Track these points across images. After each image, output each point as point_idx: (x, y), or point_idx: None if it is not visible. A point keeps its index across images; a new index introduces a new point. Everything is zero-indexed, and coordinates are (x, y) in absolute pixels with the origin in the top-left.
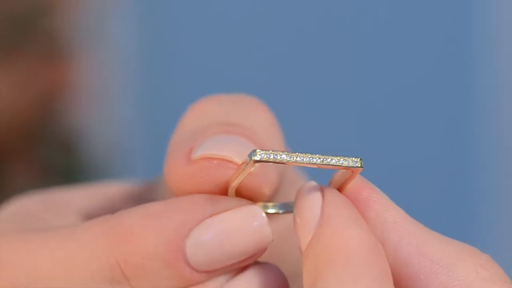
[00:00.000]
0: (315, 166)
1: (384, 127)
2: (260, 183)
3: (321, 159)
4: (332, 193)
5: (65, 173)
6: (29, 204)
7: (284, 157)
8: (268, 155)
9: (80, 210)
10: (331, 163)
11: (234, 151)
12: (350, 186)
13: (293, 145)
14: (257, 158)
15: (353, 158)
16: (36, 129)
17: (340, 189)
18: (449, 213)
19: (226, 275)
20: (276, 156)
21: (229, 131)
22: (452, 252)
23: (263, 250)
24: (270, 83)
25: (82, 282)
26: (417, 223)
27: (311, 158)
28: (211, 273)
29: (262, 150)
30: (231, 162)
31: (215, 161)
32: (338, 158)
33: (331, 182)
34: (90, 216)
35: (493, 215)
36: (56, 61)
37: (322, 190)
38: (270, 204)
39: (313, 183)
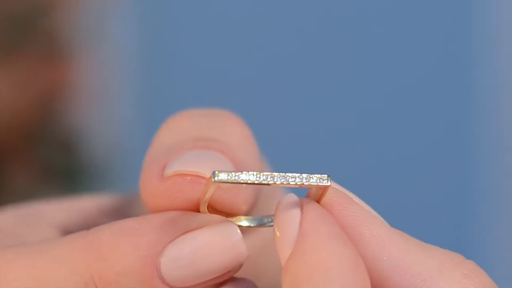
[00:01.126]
0: (279, 186)
1: (384, 127)
2: (235, 198)
3: (285, 178)
4: (311, 207)
5: (65, 173)
6: (3, 220)
7: (245, 177)
8: (228, 176)
9: (56, 224)
10: (296, 182)
11: (207, 167)
12: (325, 200)
13: (271, 155)
14: (216, 179)
15: (321, 176)
16: (36, 129)
17: (318, 201)
18: (449, 213)
19: None
20: (237, 177)
21: (204, 146)
22: (434, 263)
23: (238, 267)
24: (269, 83)
25: None
26: (397, 233)
27: (273, 178)
28: None
29: (222, 171)
30: (204, 178)
31: (188, 178)
32: (303, 176)
33: (308, 194)
34: (66, 230)
35: (493, 215)
36: (56, 61)
37: (301, 204)
38: (243, 217)
39: (292, 196)
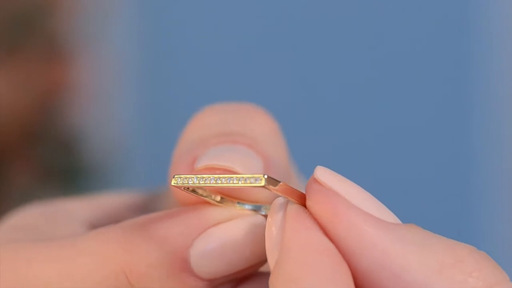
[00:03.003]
0: (224, 186)
1: (383, 127)
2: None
3: (226, 179)
4: (292, 214)
5: (65, 173)
6: (30, 216)
7: (196, 181)
8: (182, 180)
9: (83, 221)
10: (234, 183)
11: (236, 161)
12: (313, 203)
13: (298, 149)
14: (173, 183)
15: (256, 176)
16: (36, 129)
17: (304, 203)
18: (448, 213)
19: (229, 284)
20: (189, 181)
21: (231, 140)
22: (433, 263)
23: (264, 257)
24: (270, 83)
25: None
26: (392, 233)
27: (217, 179)
28: (214, 281)
29: (179, 175)
30: (234, 172)
31: (218, 171)
32: (240, 177)
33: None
34: (92, 227)
35: (493, 215)
36: (56, 61)
37: (285, 210)
38: (267, 205)
39: (280, 200)
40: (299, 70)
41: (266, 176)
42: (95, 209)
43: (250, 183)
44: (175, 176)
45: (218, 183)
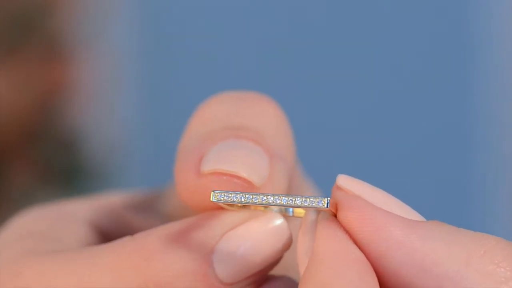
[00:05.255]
0: (278, 206)
1: (384, 127)
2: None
3: (281, 200)
4: (323, 223)
5: (65, 173)
6: (33, 222)
7: (243, 199)
8: (225, 197)
9: (87, 223)
10: (293, 203)
11: (242, 164)
12: (340, 214)
13: (300, 142)
14: (213, 199)
15: (319, 199)
16: (36, 129)
17: (335, 214)
18: (448, 213)
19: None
20: (233, 198)
21: (237, 135)
22: (461, 255)
23: (284, 253)
24: (271, 81)
25: None
26: (419, 228)
27: (270, 199)
28: (235, 284)
29: (220, 191)
30: (239, 178)
31: (224, 177)
32: (303, 198)
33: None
34: (97, 227)
35: (494, 215)
36: (56, 61)
37: (317, 221)
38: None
39: (311, 210)
40: (299, 70)
41: (328, 199)
42: (97, 209)
43: (313, 206)
44: (216, 192)
45: (269, 202)
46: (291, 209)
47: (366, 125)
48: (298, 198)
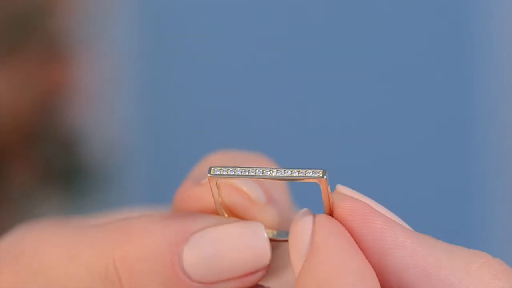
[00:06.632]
0: (274, 179)
1: (384, 128)
2: (262, 218)
3: (281, 172)
4: (322, 219)
5: (65, 173)
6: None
7: (240, 172)
8: (222, 171)
9: None
10: (291, 175)
11: (242, 182)
12: (344, 211)
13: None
14: (211, 174)
15: (315, 170)
16: (36, 129)
17: (331, 213)
18: (448, 213)
19: None
20: (231, 172)
21: None
22: (461, 265)
23: (262, 271)
24: (271, 81)
25: (79, 279)
26: (419, 238)
27: (269, 171)
28: (207, 285)
29: (216, 166)
30: (238, 190)
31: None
32: (299, 170)
33: (324, 207)
34: None
35: (493, 215)
36: (56, 61)
37: (313, 216)
38: (274, 230)
39: (305, 209)
40: (299, 70)
41: (324, 170)
42: None
43: (310, 176)
44: (213, 167)
45: (265, 175)
46: (284, 236)
47: (366, 125)
48: (295, 171)
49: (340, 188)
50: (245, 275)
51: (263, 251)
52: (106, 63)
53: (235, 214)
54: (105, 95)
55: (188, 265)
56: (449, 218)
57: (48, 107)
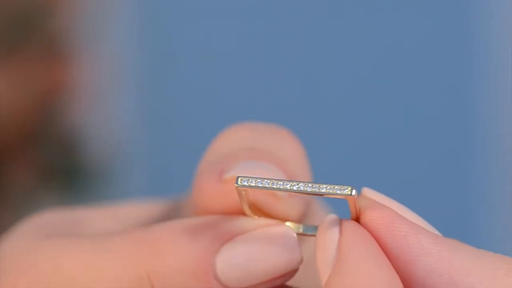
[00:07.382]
0: (302, 194)
1: (383, 128)
2: (286, 212)
3: (309, 186)
4: (350, 227)
5: (65, 173)
6: (53, 218)
7: (267, 184)
8: (250, 182)
9: (97, 232)
10: (319, 191)
11: (264, 175)
12: (369, 218)
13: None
14: (238, 184)
15: (344, 186)
16: (36, 129)
17: (358, 219)
18: (449, 213)
19: None
20: (259, 183)
21: (259, 157)
22: (487, 270)
23: (293, 272)
24: (271, 81)
25: None
26: (446, 242)
27: (298, 186)
28: None
29: (245, 176)
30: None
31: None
32: (327, 186)
33: (350, 213)
34: None
35: (494, 215)
36: (56, 61)
37: (341, 224)
38: (299, 225)
39: (333, 216)
40: (299, 70)
41: (353, 187)
42: (108, 219)
43: (338, 193)
44: (240, 177)
45: (293, 189)
46: (309, 230)
47: (366, 125)
48: (323, 186)
49: (367, 192)
50: (277, 277)
51: (294, 255)
52: (106, 63)
53: (260, 211)
54: (105, 95)
55: (222, 274)
56: (449, 218)
57: (48, 107)
